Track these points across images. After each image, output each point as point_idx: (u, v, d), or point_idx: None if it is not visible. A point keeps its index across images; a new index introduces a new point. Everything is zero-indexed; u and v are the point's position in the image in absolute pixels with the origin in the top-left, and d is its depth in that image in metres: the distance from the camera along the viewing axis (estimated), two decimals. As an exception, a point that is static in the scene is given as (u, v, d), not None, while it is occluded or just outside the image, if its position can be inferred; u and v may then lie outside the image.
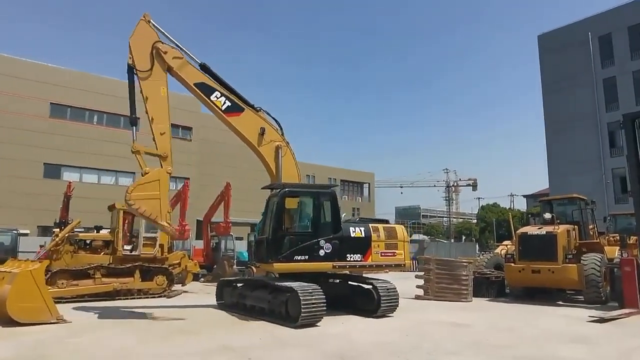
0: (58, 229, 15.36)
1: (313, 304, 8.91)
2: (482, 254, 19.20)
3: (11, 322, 8.80)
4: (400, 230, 11.27)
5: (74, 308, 11.31)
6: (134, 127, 10.68)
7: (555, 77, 39.42)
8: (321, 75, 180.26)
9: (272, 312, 9.75)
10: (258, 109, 11.87)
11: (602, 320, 9.59)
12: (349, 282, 11.13)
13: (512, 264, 13.26)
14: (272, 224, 10.15)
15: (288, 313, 9.24)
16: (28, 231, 29.27)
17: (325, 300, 9.12)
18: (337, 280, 11.22)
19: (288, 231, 10.24)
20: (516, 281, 13.50)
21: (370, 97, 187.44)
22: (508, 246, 16.76)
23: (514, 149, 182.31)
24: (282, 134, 12.09)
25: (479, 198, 79.64)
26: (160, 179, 9.95)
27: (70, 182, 20.80)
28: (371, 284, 10.44)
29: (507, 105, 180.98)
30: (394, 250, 10.84)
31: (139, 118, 10.73)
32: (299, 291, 8.89)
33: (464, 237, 65.91)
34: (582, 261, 12.33)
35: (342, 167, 60.12)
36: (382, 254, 10.73)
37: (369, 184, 62.99)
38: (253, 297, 10.49)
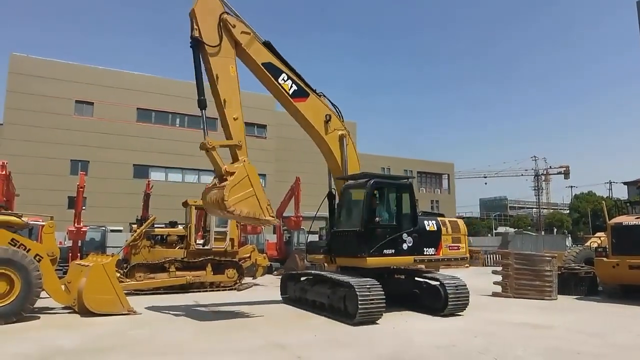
0: (136, 225, 16.19)
1: (371, 300, 8.46)
2: (572, 247, 17.41)
3: (89, 313, 9.32)
4: (462, 224, 11.19)
5: (146, 300, 11.78)
6: (204, 112, 9.45)
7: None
8: (397, 69, 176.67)
9: (331, 307, 9.45)
10: (320, 94, 11.16)
11: None
12: (416, 279, 10.49)
13: (605, 259, 11.78)
14: (365, 216, 9.54)
15: (346, 309, 8.87)
16: (122, 228, 31.63)
17: (384, 297, 8.62)
18: (403, 276, 10.64)
19: (378, 224, 9.80)
20: (609, 278, 11.98)
21: (448, 88, 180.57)
22: (602, 238, 15.03)
23: (612, 131, 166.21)
24: (343, 122, 11.65)
25: (571, 187, 72.90)
26: (248, 174, 9.10)
27: (149, 181, 22.00)
28: (438, 280, 9.74)
29: (607, 87, 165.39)
30: (458, 244, 10.65)
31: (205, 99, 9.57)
32: (356, 287, 8.48)
33: (555, 230, 61.19)
34: (692, 255, 10.62)
35: (419, 158, 58.34)
36: (450, 248, 10.29)
37: (449, 175, 60.52)
38: (314, 292, 10.26)
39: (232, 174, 8.94)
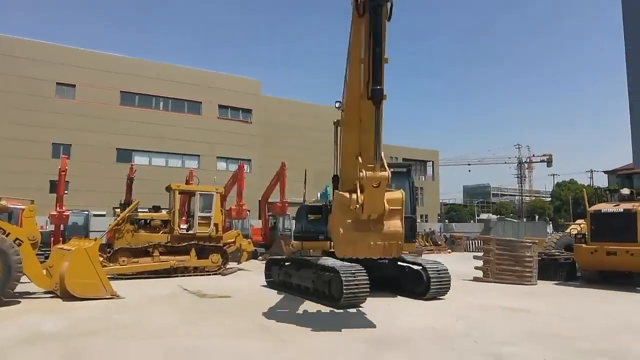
0: (119, 210, 16.04)
1: (356, 285, 8.54)
2: (552, 234, 17.75)
3: (71, 297, 9.24)
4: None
5: (130, 285, 11.73)
6: (380, 110, 6.12)
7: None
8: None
9: (316, 291, 9.53)
10: None
11: (689, 310, 8.41)
12: (399, 263, 10.61)
13: (584, 245, 12.05)
14: (412, 204, 10.30)
15: (331, 293, 8.95)
16: (105, 212, 31.28)
17: (368, 282, 8.71)
18: (386, 261, 10.73)
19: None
20: (588, 263, 12.27)
21: (435, 76, 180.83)
22: (582, 225, 15.36)
23: (595, 121, 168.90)
24: None
25: (554, 175, 74.31)
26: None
27: (132, 165, 21.73)
28: (421, 265, 9.88)
29: (589, 74, 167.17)
30: None
31: None
32: (341, 272, 8.55)
33: (536, 217, 62.26)
34: (667, 242, 10.90)
35: (404, 145, 58.55)
36: None
37: (433, 162, 60.98)
38: (298, 276, 10.33)
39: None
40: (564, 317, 8.09)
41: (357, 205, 6.33)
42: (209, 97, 39.82)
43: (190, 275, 14.21)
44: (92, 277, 9.66)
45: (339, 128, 9.43)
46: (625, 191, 12.53)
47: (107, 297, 9.62)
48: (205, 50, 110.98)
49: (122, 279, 12.83)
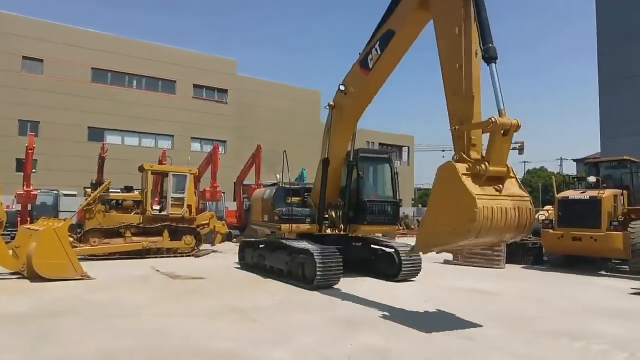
0: (90, 190, 15.69)
1: (329, 267, 8.65)
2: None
3: (39, 278, 9.04)
4: None
5: (101, 266, 11.56)
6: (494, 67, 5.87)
7: (614, 29, 36.16)
8: (358, 40, 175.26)
9: (290, 273, 9.59)
10: None
11: (645, 293, 8.81)
12: (372, 246, 10.75)
13: (551, 230, 12.43)
14: (394, 188, 10.67)
15: (304, 275, 9.03)
16: (75, 192, 30.50)
17: (342, 264, 8.83)
18: (360, 243, 10.87)
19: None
20: (554, 248, 12.68)
21: (411, 61, 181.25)
22: (549, 211, 15.80)
23: (566, 110, 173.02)
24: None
25: (525, 162, 75.76)
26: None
27: (104, 144, 21.20)
28: (393, 247, 10.03)
29: (560, 63, 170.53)
30: None
31: None
32: (315, 254, 8.62)
33: (507, 203, 63.58)
34: (629, 229, 11.34)
35: (381, 130, 58.82)
36: None
37: (409, 147, 61.48)
38: (272, 258, 10.36)
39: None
40: (530, 299, 8.37)
41: (482, 165, 5.63)
42: (183, 76, 38.95)
43: (163, 257, 14.09)
44: (61, 257, 9.47)
45: (333, 111, 9.44)
46: (592, 179, 12.93)
47: (77, 277, 9.46)
48: (181, 29, 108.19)
49: (92, 259, 12.65)
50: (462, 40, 6.08)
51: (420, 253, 6.99)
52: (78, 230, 14.11)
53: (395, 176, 10.78)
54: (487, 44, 5.85)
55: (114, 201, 15.17)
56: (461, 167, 5.68)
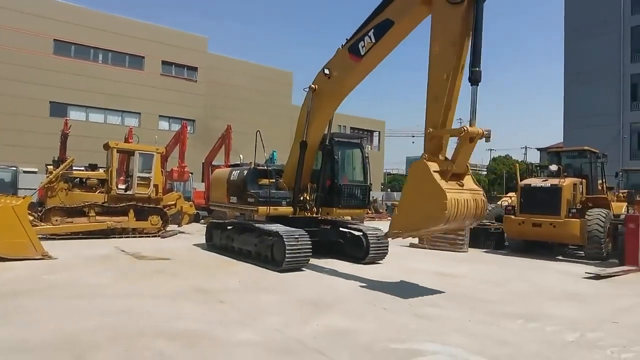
0: (52, 167, 15.16)
1: (299, 249, 8.69)
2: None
3: (-2, 257, 8.73)
4: None
5: (63, 245, 11.26)
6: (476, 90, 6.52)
7: (580, 22, 37.11)
8: (333, 25, 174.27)
9: (258, 255, 9.59)
10: None
11: (598, 277, 9.24)
12: (340, 229, 10.86)
13: (512, 216, 12.84)
14: (365, 172, 10.94)
15: (273, 257, 9.05)
16: (36, 169, 29.43)
17: (311, 246, 8.88)
18: (329, 227, 10.96)
19: None
20: (515, 234, 13.11)
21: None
22: (512, 198, 16.29)
23: (531, 100, 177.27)
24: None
25: (490, 150, 77.59)
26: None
27: (66, 120, 20.44)
28: (361, 231, 10.17)
29: (528, 54, 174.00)
30: None
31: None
32: (285, 236, 8.64)
33: (473, 189, 65.06)
34: (586, 216, 11.82)
35: (352, 114, 58.93)
36: None
37: (379, 132, 61.95)
38: (240, 240, 10.33)
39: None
40: (490, 282, 8.66)
41: (449, 166, 6.67)
42: (152, 52, 37.79)
43: (129, 237, 13.83)
44: (21, 236, 9.16)
45: (312, 95, 9.31)
46: (554, 167, 13.35)
47: (38, 257, 9.20)
48: (151, 1, 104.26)
49: (54, 239, 12.28)
50: (455, 55, 6.57)
51: (391, 238, 7.48)
52: (39, 208, 13.67)
53: (367, 161, 10.89)
54: (475, 66, 6.44)
55: (78, 179, 14.72)
56: (432, 165, 6.63)
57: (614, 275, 9.48)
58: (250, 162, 11.60)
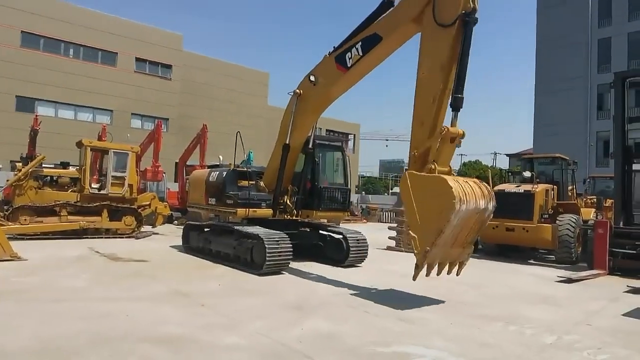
0: (21, 164, 14.64)
1: (279, 252, 8.64)
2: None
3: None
4: None
5: (33, 246, 10.89)
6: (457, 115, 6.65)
7: (551, 34, 38.39)
8: (310, 24, 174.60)
9: (237, 258, 9.49)
10: None
11: (569, 281, 9.53)
12: (320, 232, 10.87)
13: (487, 221, 13.09)
14: (346, 175, 11.05)
15: (253, 260, 8.98)
16: (0, 166, 28.39)
17: (291, 249, 8.85)
18: (308, 229, 10.95)
19: None
20: (489, 238, 13.38)
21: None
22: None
23: (502, 108, 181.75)
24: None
25: (461, 155, 79.29)
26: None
27: (36, 116, 19.81)
28: (342, 234, 10.20)
29: (500, 62, 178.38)
30: None
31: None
32: (265, 239, 8.58)
33: (445, 193, 66.20)
34: (557, 221, 12.19)
35: (328, 116, 59.15)
36: None
37: (354, 135, 62.36)
38: (219, 243, 10.21)
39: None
40: (468, 285, 8.79)
41: (432, 165, 6.59)
42: (126, 48, 36.96)
43: (102, 238, 13.50)
44: (-12, 236, 8.84)
45: (298, 99, 9.23)
46: (527, 174, 13.72)
47: (6, 258, 8.87)
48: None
49: (23, 239, 11.88)
50: (443, 79, 6.60)
51: (425, 263, 6.65)
52: (6, 207, 13.18)
53: (348, 164, 10.95)
54: (458, 93, 6.47)
55: (48, 177, 14.29)
56: (417, 170, 6.64)
57: (585, 279, 9.80)
58: (230, 163, 11.49)
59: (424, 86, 6.80)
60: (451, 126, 6.52)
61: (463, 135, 6.70)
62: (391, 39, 7.58)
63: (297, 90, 9.21)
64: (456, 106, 6.51)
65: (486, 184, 6.91)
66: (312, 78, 8.85)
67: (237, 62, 47.18)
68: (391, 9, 7.50)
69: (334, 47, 8.45)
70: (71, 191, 14.10)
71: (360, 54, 7.86)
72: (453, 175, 6.88)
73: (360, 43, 7.86)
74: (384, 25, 7.57)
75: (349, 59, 8.04)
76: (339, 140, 12.10)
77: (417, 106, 6.86)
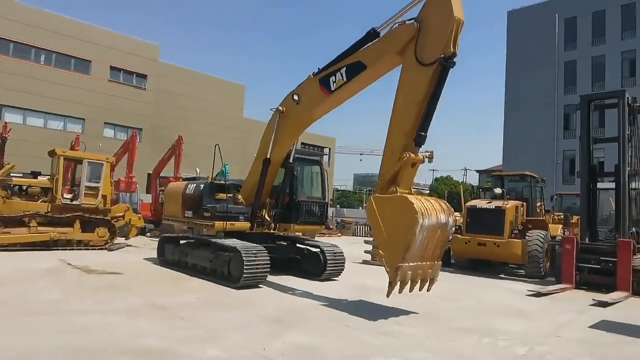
0: (-12, 173, 14.19)
1: (257, 265, 8.65)
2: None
3: None
4: None
5: (1, 258, 10.56)
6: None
7: (520, 55, 39.81)
8: (284, 37, 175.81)
9: (214, 271, 9.44)
10: None
11: (539, 295, 9.85)
12: (297, 245, 10.92)
13: (459, 236, 13.42)
14: (323, 189, 11.21)
15: (230, 273, 8.96)
16: (-36, 173, 27.35)
17: (269, 262, 8.87)
18: (285, 243, 10.99)
19: None
20: (462, 252, 13.72)
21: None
22: (457, 218, 17.02)
23: (472, 125, 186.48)
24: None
25: (433, 170, 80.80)
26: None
27: (5, 123, 19.28)
28: (319, 247, 10.28)
29: (473, 79, 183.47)
30: None
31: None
32: (243, 252, 8.58)
33: (417, 207, 67.15)
34: (527, 237, 12.59)
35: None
36: None
37: (330, 149, 62.77)
38: (195, 256, 10.13)
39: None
40: (443, 298, 8.98)
41: (394, 188, 6.98)
42: (100, 56, 36.38)
43: (74, 249, 13.18)
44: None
45: (280, 116, 9.28)
46: (498, 190, 14.17)
47: (-26, 269, 8.59)
48: (101, 4, 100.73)
49: (-11, 250, 11.50)
50: (417, 115, 6.90)
51: (397, 281, 6.74)
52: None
53: (326, 178, 11.08)
54: (423, 131, 6.90)
55: (17, 187, 13.90)
56: (380, 193, 7.06)
57: (553, 293, 10.14)
58: (208, 176, 11.46)
59: (398, 117, 7.10)
60: (412, 152, 6.94)
61: (423, 161, 7.16)
62: (375, 68, 7.78)
63: (280, 108, 9.29)
64: (419, 142, 6.95)
65: (444, 201, 7.43)
66: (295, 97, 8.96)
67: (214, 74, 47.07)
68: (377, 39, 7.69)
69: (318, 68, 8.54)
70: (41, 201, 13.74)
71: (345, 79, 8.01)
72: (414, 194, 7.27)
73: (345, 69, 7.99)
74: (369, 55, 7.74)
75: (333, 82, 8.16)
76: (318, 154, 12.22)
77: (390, 136, 7.17)
